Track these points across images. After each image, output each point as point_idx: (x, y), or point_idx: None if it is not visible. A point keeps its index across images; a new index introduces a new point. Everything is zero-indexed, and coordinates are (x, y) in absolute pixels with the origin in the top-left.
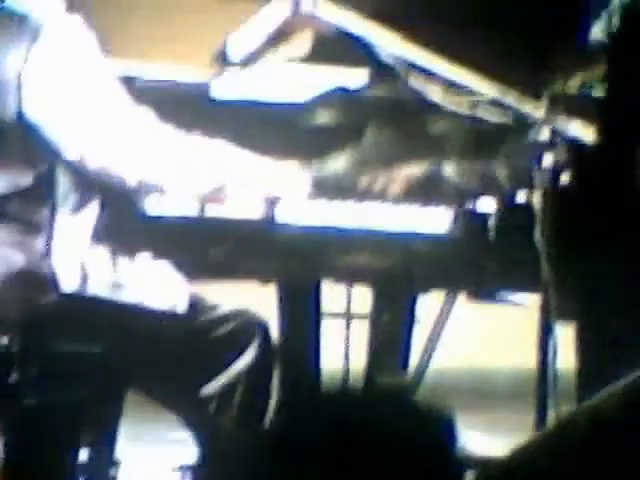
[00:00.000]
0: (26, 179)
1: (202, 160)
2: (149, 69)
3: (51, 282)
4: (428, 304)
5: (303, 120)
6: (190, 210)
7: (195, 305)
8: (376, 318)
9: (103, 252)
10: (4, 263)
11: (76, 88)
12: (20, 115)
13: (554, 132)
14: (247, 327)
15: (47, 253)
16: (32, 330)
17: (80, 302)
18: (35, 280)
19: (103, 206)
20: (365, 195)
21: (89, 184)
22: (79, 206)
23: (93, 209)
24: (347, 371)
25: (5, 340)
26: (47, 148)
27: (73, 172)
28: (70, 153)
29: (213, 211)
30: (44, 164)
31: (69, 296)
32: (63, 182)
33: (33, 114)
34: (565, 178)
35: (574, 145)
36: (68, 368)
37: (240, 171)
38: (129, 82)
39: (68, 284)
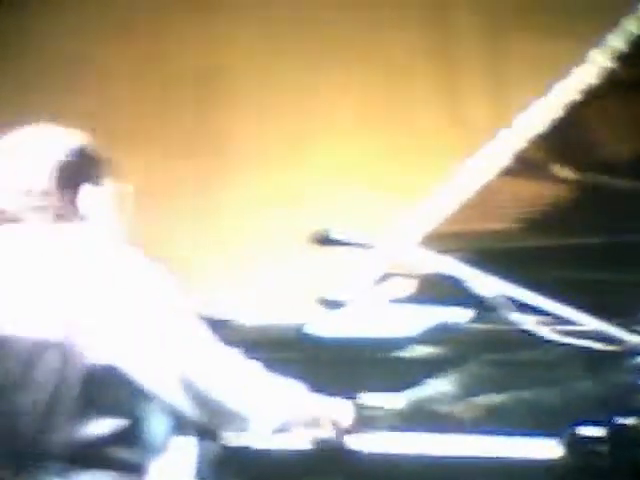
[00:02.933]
0: (122, 422)
1: (275, 396)
2: (250, 312)
3: None
4: None
5: (404, 354)
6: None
7: None
8: None
9: None
10: None
11: (162, 334)
12: (109, 361)
13: None
14: None
15: None
16: None
17: None
18: None
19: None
20: (459, 422)
21: (182, 424)
22: (173, 446)
23: (188, 447)
24: None
25: None
26: (140, 392)
27: (166, 413)
28: (162, 396)
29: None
30: (138, 407)
31: None
32: (157, 424)
33: (123, 362)
34: None
35: None
36: None
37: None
38: (234, 326)
39: None
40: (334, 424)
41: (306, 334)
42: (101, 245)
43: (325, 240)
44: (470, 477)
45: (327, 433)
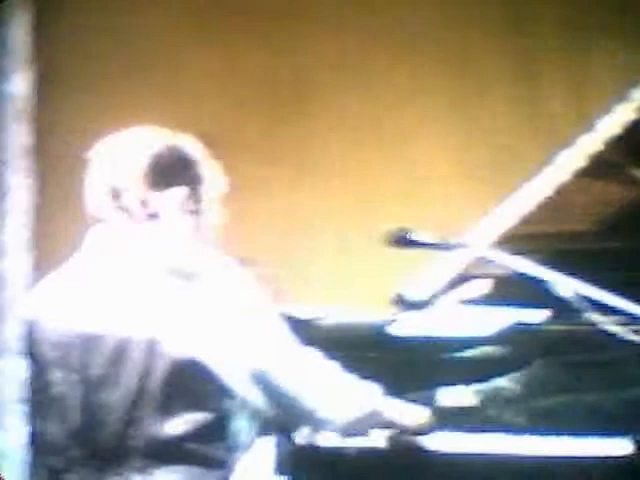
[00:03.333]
0: (206, 418)
1: (350, 395)
2: (329, 311)
3: None
4: None
5: (478, 354)
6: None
7: None
8: None
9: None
10: None
11: (241, 329)
12: (192, 357)
13: None
14: None
15: None
16: None
17: None
18: None
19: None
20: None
21: (262, 421)
22: (254, 441)
23: (267, 445)
24: None
25: None
26: (223, 388)
27: (248, 410)
28: (239, 392)
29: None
30: (222, 404)
31: None
32: (240, 421)
33: (203, 357)
34: None
35: None
36: None
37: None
38: (311, 324)
39: None
40: (407, 425)
41: (385, 333)
42: (185, 245)
43: (404, 241)
44: (542, 476)
45: (400, 434)
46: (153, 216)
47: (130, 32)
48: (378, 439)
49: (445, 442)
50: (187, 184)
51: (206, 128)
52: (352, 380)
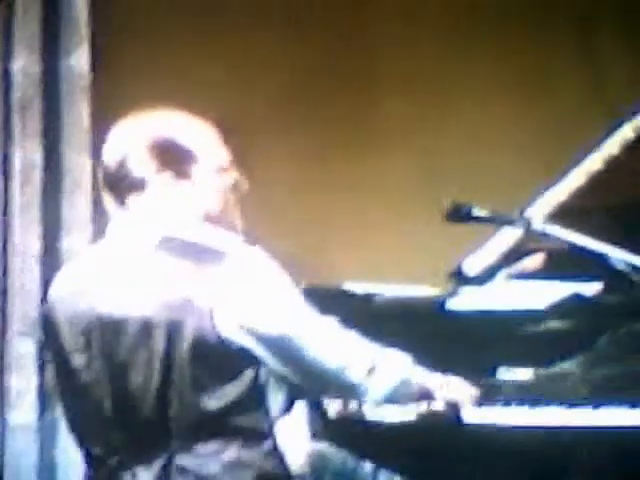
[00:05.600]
0: (236, 390)
1: (383, 366)
2: (387, 289)
3: (285, 478)
4: None
5: (536, 328)
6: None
7: None
8: None
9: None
10: (236, 475)
11: (265, 307)
12: (218, 334)
13: None
14: None
15: (276, 456)
16: None
17: None
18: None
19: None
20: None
21: (295, 391)
22: (289, 407)
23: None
24: None
25: None
26: (249, 359)
27: (281, 381)
28: (269, 365)
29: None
30: (249, 374)
31: None
32: (270, 388)
33: (230, 333)
34: None
35: None
36: None
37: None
38: (367, 298)
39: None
40: (447, 398)
41: (443, 308)
42: (203, 227)
43: (462, 216)
44: (595, 449)
45: (439, 406)
46: (166, 197)
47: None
48: (414, 411)
49: (492, 415)
50: (177, 167)
51: (274, 97)
52: (380, 349)
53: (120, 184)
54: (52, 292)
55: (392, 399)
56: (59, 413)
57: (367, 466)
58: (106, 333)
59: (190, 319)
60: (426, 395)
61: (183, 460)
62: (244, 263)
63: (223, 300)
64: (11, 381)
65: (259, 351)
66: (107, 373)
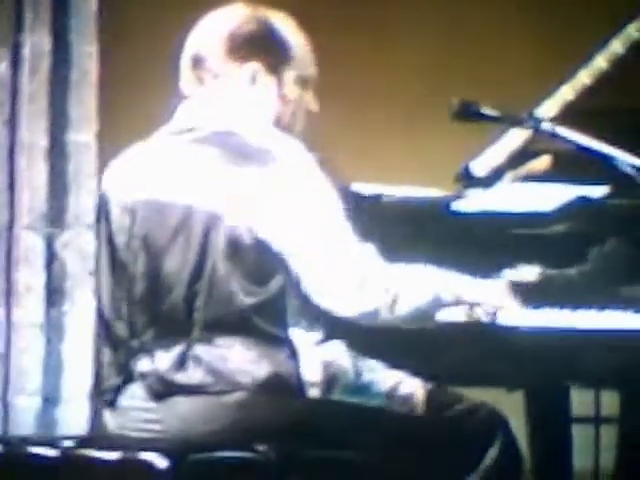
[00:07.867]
0: (264, 293)
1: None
2: (394, 191)
3: (298, 389)
4: None
5: (543, 230)
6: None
7: (436, 403)
8: (625, 422)
9: (344, 356)
10: (249, 376)
11: (304, 211)
12: (255, 235)
13: None
14: (490, 420)
15: (292, 361)
16: (290, 437)
17: (328, 407)
18: (283, 389)
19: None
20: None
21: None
22: (311, 325)
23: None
24: (597, 475)
25: (262, 449)
26: (279, 264)
27: (298, 295)
28: (295, 273)
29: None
30: (278, 279)
31: (317, 401)
32: (293, 296)
33: (265, 233)
34: None
35: None
36: (326, 476)
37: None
38: (375, 199)
39: (314, 390)
40: (482, 304)
41: (449, 209)
42: (255, 126)
43: (469, 113)
44: (620, 350)
45: (475, 313)
46: (226, 89)
47: None
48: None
49: (518, 318)
50: (268, 59)
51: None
52: (407, 272)
53: (204, 64)
54: (106, 176)
55: (421, 318)
56: (66, 309)
57: (381, 382)
58: (149, 214)
59: (229, 215)
60: (462, 302)
61: (200, 350)
62: (292, 170)
63: (265, 202)
64: (18, 276)
65: (291, 258)
66: (144, 255)
